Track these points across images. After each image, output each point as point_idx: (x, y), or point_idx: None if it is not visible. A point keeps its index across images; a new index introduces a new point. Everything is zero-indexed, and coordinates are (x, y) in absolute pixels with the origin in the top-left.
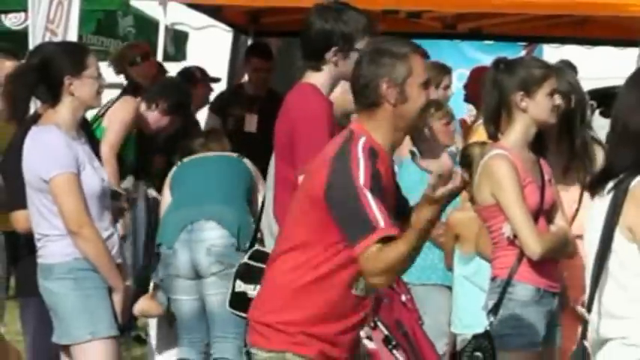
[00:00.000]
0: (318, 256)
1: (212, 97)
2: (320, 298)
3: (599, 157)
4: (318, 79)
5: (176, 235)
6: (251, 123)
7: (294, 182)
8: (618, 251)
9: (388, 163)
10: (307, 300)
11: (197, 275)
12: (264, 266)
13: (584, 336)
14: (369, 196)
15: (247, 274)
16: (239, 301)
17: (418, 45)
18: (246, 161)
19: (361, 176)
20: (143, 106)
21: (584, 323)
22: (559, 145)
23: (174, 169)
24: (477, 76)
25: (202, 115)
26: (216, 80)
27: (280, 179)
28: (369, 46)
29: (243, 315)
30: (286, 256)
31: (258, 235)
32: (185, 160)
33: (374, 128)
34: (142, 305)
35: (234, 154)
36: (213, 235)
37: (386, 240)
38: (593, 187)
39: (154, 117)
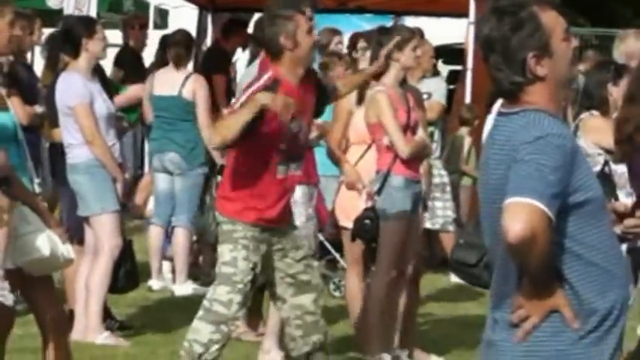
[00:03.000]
0: (249, 153)
1: None
2: (253, 182)
3: None
4: None
5: (153, 155)
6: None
7: None
8: None
9: (293, 88)
10: (246, 182)
11: (169, 173)
12: None
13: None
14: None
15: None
16: None
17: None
18: (189, 84)
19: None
20: None
21: None
22: None
23: (151, 94)
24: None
25: None
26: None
27: None
28: (266, 14)
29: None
30: (233, 154)
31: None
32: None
33: (282, 68)
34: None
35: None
36: (172, 155)
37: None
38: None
39: None
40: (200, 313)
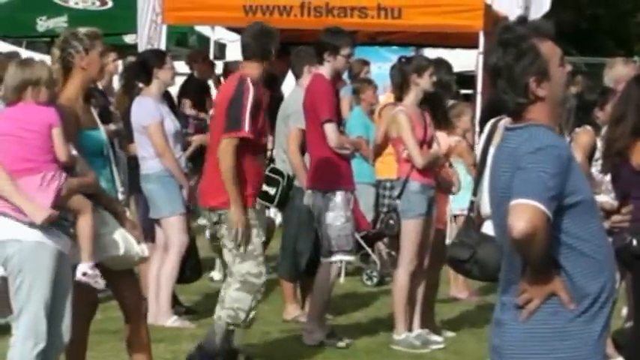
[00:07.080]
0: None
1: None
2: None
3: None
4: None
5: None
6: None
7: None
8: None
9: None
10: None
11: None
12: (277, 177)
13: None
14: (248, 108)
15: (267, 181)
16: (263, 196)
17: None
18: None
19: (250, 97)
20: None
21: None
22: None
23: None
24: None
25: None
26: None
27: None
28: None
29: (266, 204)
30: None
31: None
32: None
33: (253, 71)
34: None
35: None
36: None
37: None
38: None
39: None
40: (237, 285)
